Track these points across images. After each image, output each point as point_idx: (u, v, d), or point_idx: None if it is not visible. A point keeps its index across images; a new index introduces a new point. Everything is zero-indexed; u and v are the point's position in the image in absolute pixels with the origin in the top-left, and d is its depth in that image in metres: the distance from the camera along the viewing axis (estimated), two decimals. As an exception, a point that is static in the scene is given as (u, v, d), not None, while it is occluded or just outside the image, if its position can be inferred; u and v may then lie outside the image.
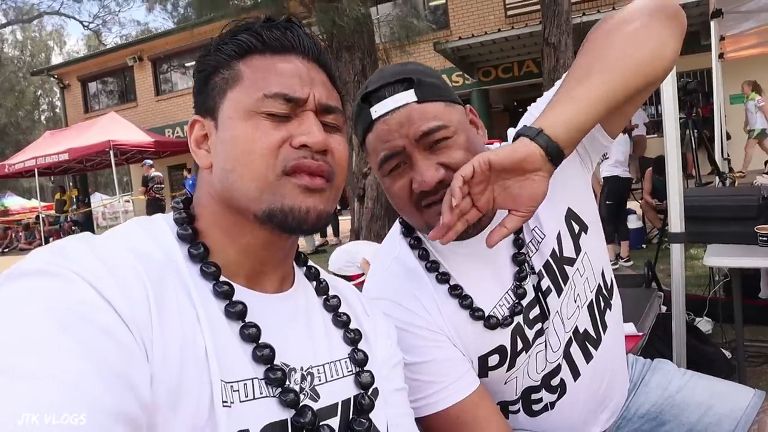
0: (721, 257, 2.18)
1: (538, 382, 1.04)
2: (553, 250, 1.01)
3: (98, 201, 19.60)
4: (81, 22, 31.08)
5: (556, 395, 1.05)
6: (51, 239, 15.16)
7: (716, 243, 2.32)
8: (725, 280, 3.26)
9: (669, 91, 2.10)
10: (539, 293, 1.01)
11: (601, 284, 1.09)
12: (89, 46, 31.10)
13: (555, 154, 0.80)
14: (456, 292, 0.98)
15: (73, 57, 25.81)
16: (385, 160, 0.92)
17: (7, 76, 29.52)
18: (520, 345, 1.00)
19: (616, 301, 1.13)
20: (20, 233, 16.03)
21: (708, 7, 4.12)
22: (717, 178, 4.19)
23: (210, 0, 7.82)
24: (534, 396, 1.05)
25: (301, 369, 0.69)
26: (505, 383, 1.03)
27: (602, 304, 1.08)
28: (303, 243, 8.38)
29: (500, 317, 0.98)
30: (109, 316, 0.52)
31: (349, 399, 0.72)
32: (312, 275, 0.83)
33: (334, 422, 0.68)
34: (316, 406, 0.67)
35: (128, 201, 14.81)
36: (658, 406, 1.15)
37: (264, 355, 0.64)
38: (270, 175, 0.66)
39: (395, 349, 0.86)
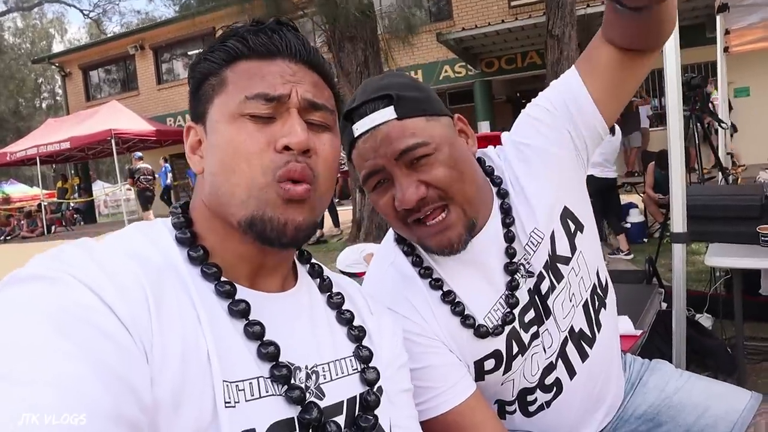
0: (723, 257, 2.17)
1: (535, 384, 1.04)
2: (548, 249, 1.02)
3: (100, 189, 19.63)
4: (81, 11, 30.97)
5: (552, 394, 1.05)
6: (53, 227, 15.20)
7: (718, 242, 2.32)
8: (726, 276, 3.26)
9: (673, 83, 2.08)
10: (536, 296, 1.01)
11: (596, 283, 1.09)
12: (90, 35, 30.97)
13: None
14: (449, 298, 0.98)
15: (74, 45, 25.70)
16: (367, 177, 0.93)
17: (7, 64, 29.42)
18: (515, 349, 1.01)
19: (611, 300, 1.14)
20: (22, 221, 16.05)
21: (714, 1, 4.08)
22: (720, 174, 4.17)
23: (212, -11, 7.77)
24: (529, 397, 1.06)
25: (306, 368, 0.69)
26: (502, 385, 1.04)
27: (597, 303, 1.09)
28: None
29: (490, 327, 0.98)
30: (108, 318, 0.52)
31: (355, 397, 0.72)
32: (315, 272, 0.83)
33: (340, 420, 0.69)
34: (321, 404, 0.67)
35: (130, 189, 14.83)
36: (656, 407, 1.15)
37: (269, 352, 0.64)
38: (258, 179, 0.65)
39: (401, 349, 0.86)
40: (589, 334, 1.06)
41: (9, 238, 15.37)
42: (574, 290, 1.04)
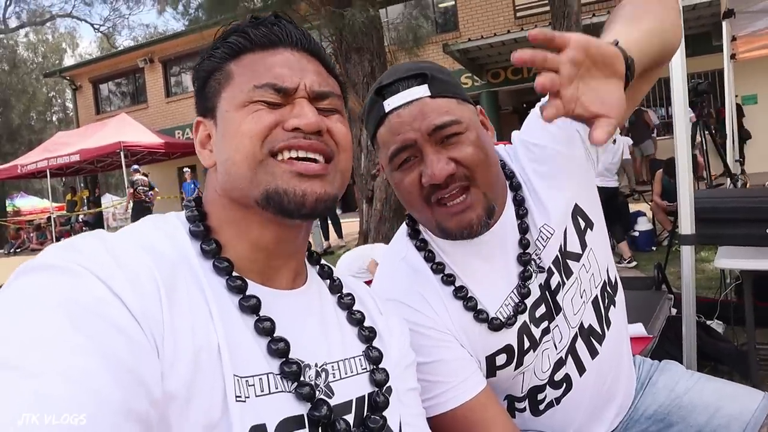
0: (733, 259, 2.16)
1: (545, 380, 1.04)
2: (560, 245, 1.02)
3: (109, 202, 19.74)
4: (92, 25, 31.37)
5: (561, 391, 1.05)
6: (62, 240, 15.26)
7: (727, 245, 2.30)
8: (737, 282, 3.22)
9: (680, 92, 2.08)
10: (547, 291, 1.01)
11: (606, 280, 1.09)
12: (101, 49, 31.39)
13: (631, 68, 0.76)
14: (461, 293, 0.98)
15: (85, 59, 26.04)
16: (396, 153, 0.93)
17: (20, 78, 29.84)
18: (527, 344, 1.00)
19: (620, 298, 1.13)
20: (32, 233, 16.18)
21: (720, 8, 4.08)
22: (728, 179, 4.15)
23: (220, 2, 7.86)
24: (539, 395, 1.05)
25: (316, 365, 0.69)
26: (513, 379, 1.04)
27: (606, 300, 1.09)
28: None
29: (504, 318, 0.98)
30: (120, 311, 0.52)
31: (364, 396, 0.72)
32: (325, 274, 0.84)
33: (349, 419, 0.69)
34: (330, 402, 0.67)
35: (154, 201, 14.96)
36: (666, 407, 1.14)
37: (279, 348, 0.64)
38: (258, 154, 0.66)
39: (408, 349, 0.86)
40: (599, 330, 1.06)
41: (19, 250, 15.49)
42: (584, 287, 1.04)
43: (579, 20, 6.83)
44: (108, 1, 29.08)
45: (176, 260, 0.63)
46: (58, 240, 14.80)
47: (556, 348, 1.03)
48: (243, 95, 0.68)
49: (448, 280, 0.99)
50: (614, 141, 5.57)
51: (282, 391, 0.63)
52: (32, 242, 15.76)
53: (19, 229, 16.88)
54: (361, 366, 0.75)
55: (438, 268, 1.00)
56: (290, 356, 0.65)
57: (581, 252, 1.03)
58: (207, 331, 0.59)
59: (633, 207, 6.46)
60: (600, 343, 1.06)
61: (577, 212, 1.04)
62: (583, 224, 1.05)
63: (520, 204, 1.03)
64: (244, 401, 0.59)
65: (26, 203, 20.54)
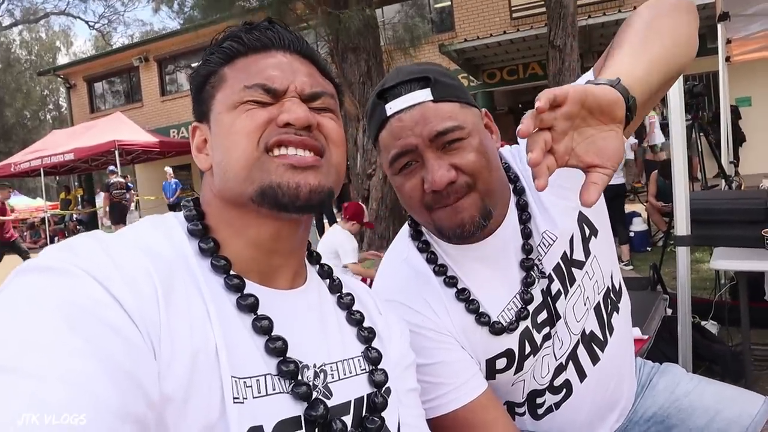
0: (728, 260, 2.17)
1: (545, 386, 1.04)
2: (564, 252, 1.01)
3: (103, 200, 19.62)
4: (86, 22, 31.25)
5: (561, 396, 1.04)
6: (56, 239, 15.22)
7: (722, 246, 2.32)
8: (731, 283, 3.24)
9: (675, 94, 2.10)
10: (548, 297, 1.01)
11: (610, 287, 1.09)
12: (96, 47, 31.24)
13: (632, 109, 0.72)
14: (463, 296, 0.98)
15: (79, 57, 25.92)
16: (396, 158, 0.91)
17: (14, 76, 29.66)
18: (528, 349, 1.00)
19: (625, 304, 1.13)
20: (25, 232, 16.09)
21: (715, 10, 4.10)
22: (723, 181, 4.17)
23: (215, 1, 7.84)
24: (539, 399, 1.05)
25: (314, 366, 0.69)
26: (512, 385, 1.03)
27: (609, 306, 1.08)
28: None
29: (505, 323, 0.97)
30: (117, 313, 0.52)
31: (362, 397, 0.72)
32: (325, 273, 0.84)
33: (347, 420, 0.69)
34: (329, 403, 0.67)
35: (133, 201, 14.88)
36: (665, 409, 1.14)
37: (276, 347, 0.64)
38: (255, 152, 0.67)
39: (408, 349, 0.86)
40: (600, 337, 1.06)
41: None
42: (588, 294, 1.03)
43: (575, 22, 6.85)
44: (102, -3, 28.95)
45: (174, 260, 0.62)
46: (52, 239, 14.80)
47: (556, 354, 1.02)
48: (235, 96, 0.69)
49: (451, 282, 0.99)
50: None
51: (280, 392, 0.63)
52: (26, 241, 15.65)
53: (13, 228, 16.75)
54: (360, 367, 0.75)
55: (440, 270, 1.00)
56: (288, 356, 0.65)
57: (584, 260, 1.03)
58: (204, 332, 0.59)
59: (628, 207, 6.48)
60: (602, 350, 1.05)
61: (582, 219, 1.03)
62: (587, 232, 1.04)
63: (523, 208, 1.02)
64: (242, 402, 0.59)
65: (20, 202, 20.41)
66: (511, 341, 0.99)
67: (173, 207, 12.41)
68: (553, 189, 1.00)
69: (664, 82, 0.85)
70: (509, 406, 1.07)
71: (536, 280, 1.00)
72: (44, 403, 0.43)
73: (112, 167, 12.27)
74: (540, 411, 1.06)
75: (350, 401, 0.70)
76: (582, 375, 1.04)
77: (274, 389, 0.63)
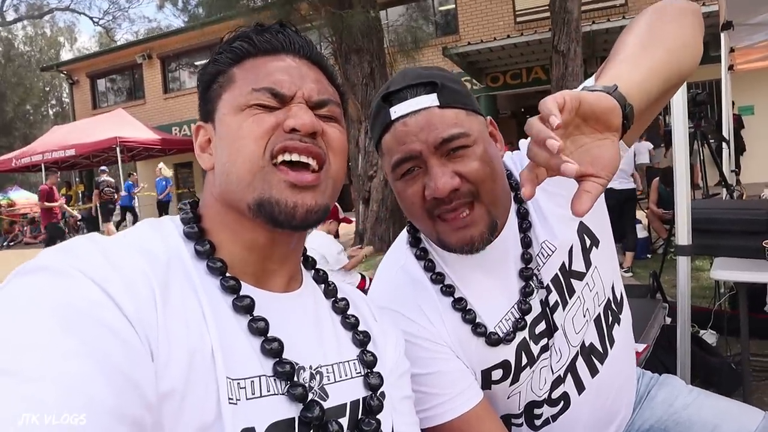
0: (728, 271, 2.16)
1: (543, 398, 1.02)
2: (563, 263, 1.00)
3: (93, 199, 19.62)
4: (91, 18, 31.23)
5: (559, 408, 1.03)
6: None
7: (723, 256, 2.31)
8: (731, 293, 3.24)
9: (679, 102, 2.09)
10: (546, 308, 1.00)
11: (611, 298, 1.07)
12: (100, 44, 31.30)
13: (629, 117, 0.70)
14: (460, 305, 0.97)
15: (83, 53, 25.96)
16: (399, 163, 0.90)
17: (16, 71, 29.70)
18: (524, 360, 0.99)
19: (626, 315, 1.12)
20: (25, 227, 16.10)
21: (718, 19, 4.10)
22: (724, 190, 4.17)
23: (220, -1, 7.87)
24: (536, 411, 1.04)
25: (310, 368, 0.69)
26: (509, 397, 1.02)
27: (610, 318, 1.07)
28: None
29: (502, 334, 0.96)
30: (114, 314, 0.52)
31: (358, 400, 0.72)
32: (320, 278, 0.84)
33: (343, 422, 0.69)
34: (324, 405, 0.67)
35: (133, 198, 14.92)
36: (663, 422, 1.13)
37: (272, 348, 0.64)
38: (261, 159, 0.67)
39: (403, 357, 0.86)
40: (600, 349, 1.04)
41: (12, 244, 15.41)
42: (588, 305, 1.02)
43: (579, 27, 6.87)
44: (107, -7, 29.02)
45: (170, 262, 0.63)
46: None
47: (553, 366, 1.01)
48: (241, 98, 0.69)
49: (448, 290, 0.98)
50: None
51: (274, 394, 0.63)
52: (25, 236, 15.67)
53: (13, 223, 16.78)
54: (356, 370, 0.75)
55: (437, 278, 0.99)
56: (284, 356, 0.65)
57: (585, 271, 1.02)
58: (201, 333, 0.59)
59: (628, 214, 6.46)
60: (601, 362, 1.04)
61: (583, 230, 1.02)
62: (588, 242, 1.03)
63: (523, 217, 1.00)
64: (236, 404, 0.59)
65: (20, 196, 20.43)
66: (507, 352, 0.97)
67: (162, 204, 12.42)
68: (552, 198, 1.00)
69: (666, 88, 0.84)
70: (506, 418, 1.05)
71: (535, 290, 0.99)
72: (43, 404, 0.43)
73: (103, 167, 12.46)
74: (537, 422, 1.04)
75: (346, 403, 0.70)
76: (580, 387, 1.03)
77: (268, 391, 0.63)
